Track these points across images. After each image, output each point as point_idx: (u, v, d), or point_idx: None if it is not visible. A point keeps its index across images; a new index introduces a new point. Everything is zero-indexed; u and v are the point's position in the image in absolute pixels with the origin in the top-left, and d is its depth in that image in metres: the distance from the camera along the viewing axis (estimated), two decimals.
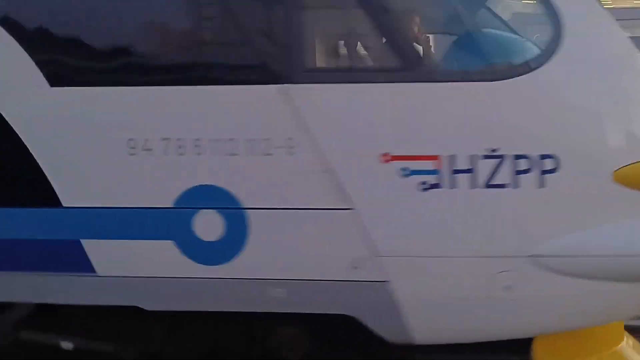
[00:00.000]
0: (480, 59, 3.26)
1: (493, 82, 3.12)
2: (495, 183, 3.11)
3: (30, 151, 3.30)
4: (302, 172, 3.19)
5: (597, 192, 3.11)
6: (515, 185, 3.08)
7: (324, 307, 3.33)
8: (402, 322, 3.24)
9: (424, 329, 3.27)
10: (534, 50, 3.31)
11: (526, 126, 3.15)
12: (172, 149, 3.24)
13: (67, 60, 3.35)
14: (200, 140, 3.23)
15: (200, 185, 3.26)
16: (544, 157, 3.04)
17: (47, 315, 3.64)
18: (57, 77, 3.26)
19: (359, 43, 3.37)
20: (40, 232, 3.40)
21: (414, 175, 3.12)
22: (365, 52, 3.43)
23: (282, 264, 3.29)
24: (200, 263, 3.32)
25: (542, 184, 3.06)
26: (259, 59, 3.26)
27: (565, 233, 3.12)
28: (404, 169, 3.12)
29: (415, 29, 3.25)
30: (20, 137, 3.30)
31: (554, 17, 3.16)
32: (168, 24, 3.40)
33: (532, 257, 3.11)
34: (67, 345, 3.74)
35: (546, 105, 3.16)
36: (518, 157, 3.06)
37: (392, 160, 3.11)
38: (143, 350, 3.67)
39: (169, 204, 3.28)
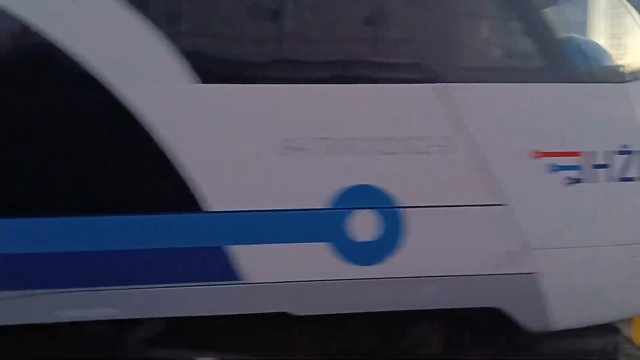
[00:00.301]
0: (613, 62, 3.60)
1: (625, 84, 3.44)
2: (626, 177, 3.42)
3: (171, 153, 3.05)
4: (458, 170, 3.25)
5: None
6: None
7: (474, 301, 3.40)
8: (545, 310, 3.42)
9: (564, 314, 3.48)
10: None
11: None
12: (328, 149, 3.15)
13: (219, 56, 3.13)
14: (357, 139, 3.18)
15: (357, 185, 3.20)
16: None
17: (177, 330, 3.37)
18: (206, 73, 3.04)
19: (511, 44, 3.53)
20: (182, 240, 3.15)
21: (561, 171, 3.33)
22: (517, 53, 3.57)
23: (435, 261, 3.32)
24: (355, 264, 3.24)
25: None
26: (417, 58, 3.28)
27: None
28: (552, 165, 3.32)
29: (557, 32, 3.46)
30: (159, 137, 3.04)
31: None
32: (325, 22, 3.28)
33: None
34: None
35: None
36: None
37: (541, 156, 3.30)
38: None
39: (324, 205, 3.19)
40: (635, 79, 3.49)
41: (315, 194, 3.16)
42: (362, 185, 3.19)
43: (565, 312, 3.47)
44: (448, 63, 3.25)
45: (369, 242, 3.22)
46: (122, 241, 3.07)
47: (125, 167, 3.06)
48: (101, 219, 3.04)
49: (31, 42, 2.93)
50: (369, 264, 3.25)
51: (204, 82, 3.00)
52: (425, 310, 3.42)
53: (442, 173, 3.25)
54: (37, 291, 3.01)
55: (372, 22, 3.29)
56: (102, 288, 3.07)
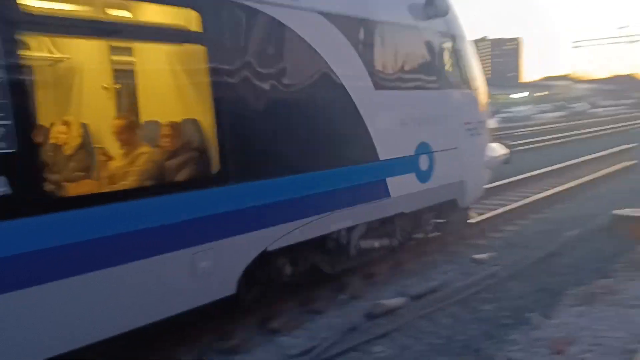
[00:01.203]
0: (469, 80, 7.96)
1: (473, 90, 7.46)
2: (477, 132, 8.03)
3: (366, 127, 6.14)
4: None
5: None
6: None
7: (450, 195, 7.57)
8: (466, 197, 7.89)
9: (471, 197, 8.12)
10: None
11: None
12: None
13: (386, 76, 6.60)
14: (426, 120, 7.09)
15: (421, 142, 6.88)
16: None
17: None
18: (379, 84, 6.38)
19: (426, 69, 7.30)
20: (369, 177, 6.37)
21: (467, 129, 7.80)
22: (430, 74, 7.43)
23: (444, 178, 7.21)
24: (421, 182, 6.86)
25: None
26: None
27: None
28: (466, 126, 7.72)
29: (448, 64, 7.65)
30: (361, 118, 6.12)
31: None
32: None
33: None
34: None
35: None
36: None
37: (466, 123, 7.71)
38: None
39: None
40: (476, 89, 8.01)
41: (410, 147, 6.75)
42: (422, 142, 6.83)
43: (471, 196, 7.93)
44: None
45: (426, 170, 6.87)
46: (347, 181, 5.81)
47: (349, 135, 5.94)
48: (343, 169, 5.79)
49: (322, 66, 5.57)
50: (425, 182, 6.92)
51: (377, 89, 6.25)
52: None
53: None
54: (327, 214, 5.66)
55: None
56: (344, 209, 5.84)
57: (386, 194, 6.25)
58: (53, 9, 4.06)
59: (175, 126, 4.94)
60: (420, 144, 6.67)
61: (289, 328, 5.53)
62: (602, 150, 17.60)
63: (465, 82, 7.71)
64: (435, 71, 7.09)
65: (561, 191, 11.83)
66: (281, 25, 5.05)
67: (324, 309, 6.04)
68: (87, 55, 5.58)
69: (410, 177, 6.57)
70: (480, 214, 9.63)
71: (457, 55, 7.51)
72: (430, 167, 6.83)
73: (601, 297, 5.72)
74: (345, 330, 5.40)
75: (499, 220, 9.45)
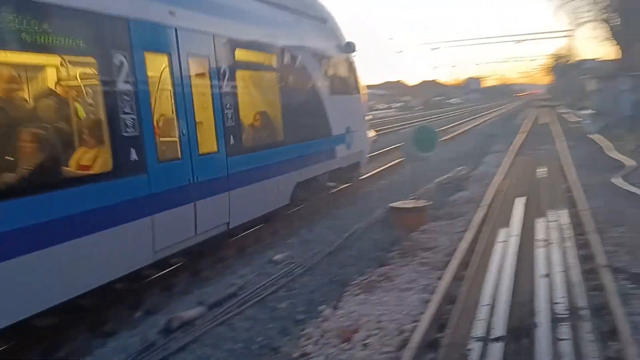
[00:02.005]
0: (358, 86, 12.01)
1: (359, 94, 8.70)
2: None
3: None
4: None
5: None
6: None
7: (358, 158, 12.53)
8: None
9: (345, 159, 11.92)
10: None
11: None
12: None
13: None
14: None
15: None
16: None
17: None
18: None
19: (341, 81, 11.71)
20: None
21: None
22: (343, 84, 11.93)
23: (358, 147, 12.23)
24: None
25: None
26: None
27: None
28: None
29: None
30: None
31: None
32: None
33: None
34: None
35: None
36: None
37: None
38: None
39: None
40: (364, 93, 12.86)
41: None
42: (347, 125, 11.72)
43: (365, 160, 13.23)
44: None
45: (349, 143, 11.65)
46: (324, 146, 10.69)
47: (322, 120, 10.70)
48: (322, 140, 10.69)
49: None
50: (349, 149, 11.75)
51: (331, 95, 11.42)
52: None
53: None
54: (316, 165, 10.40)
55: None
56: (322, 162, 10.74)
57: (335, 155, 11.09)
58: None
59: (264, 114, 8.92)
60: (347, 127, 11.43)
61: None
62: (377, 150, 19.59)
63: (359, 89, 12.67)
64: (350, 83, 12.23)
65: (346, 188, 12.81)
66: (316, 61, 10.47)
67: (117, 330, 5.64)
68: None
69: (343, 146, 11.35)
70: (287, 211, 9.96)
71: (355, 73, 12.45)
72: (351, 140, 11.62)
73: (380, 284, 6.40)
74: (141, 350, 5.12)
75: (294, 219, 9.92)
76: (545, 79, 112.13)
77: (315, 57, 10.28)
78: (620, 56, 39.08)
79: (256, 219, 8.55)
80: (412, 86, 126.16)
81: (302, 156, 9.57)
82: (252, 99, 8.60)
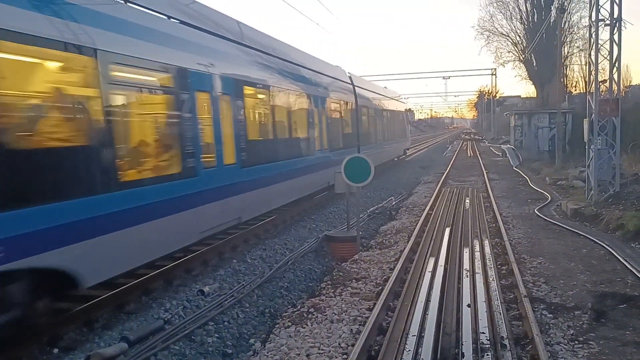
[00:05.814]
0: None
1: None
2: None
3: None
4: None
5: None
6: None
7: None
8: None
9: None
10: None
11: None
12: None
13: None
14: None
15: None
16: None
17: None
18: None
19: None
20: None
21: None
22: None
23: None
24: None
25: None
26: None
27: None
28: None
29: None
30: None
31: None
32: None
33: None
34: None
35: None
36: None
37: None
38: None
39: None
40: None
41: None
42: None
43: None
44: None
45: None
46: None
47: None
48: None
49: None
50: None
51: None
52: None
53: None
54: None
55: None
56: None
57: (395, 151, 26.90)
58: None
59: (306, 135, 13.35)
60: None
61: None
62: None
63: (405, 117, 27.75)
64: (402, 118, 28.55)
65: (274, 219, 12.51)
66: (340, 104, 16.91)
67: None
68: None
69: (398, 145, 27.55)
70: (206, 244, 9.68)
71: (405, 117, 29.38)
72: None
73: (310, 316, 6.36)
74: None
75: (225, 248, 9.70)
76: (471, 113, 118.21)
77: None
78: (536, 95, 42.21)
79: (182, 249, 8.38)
80: None
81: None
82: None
